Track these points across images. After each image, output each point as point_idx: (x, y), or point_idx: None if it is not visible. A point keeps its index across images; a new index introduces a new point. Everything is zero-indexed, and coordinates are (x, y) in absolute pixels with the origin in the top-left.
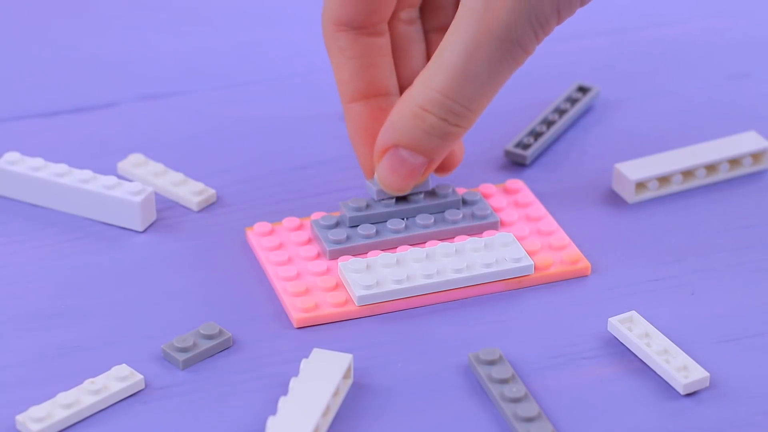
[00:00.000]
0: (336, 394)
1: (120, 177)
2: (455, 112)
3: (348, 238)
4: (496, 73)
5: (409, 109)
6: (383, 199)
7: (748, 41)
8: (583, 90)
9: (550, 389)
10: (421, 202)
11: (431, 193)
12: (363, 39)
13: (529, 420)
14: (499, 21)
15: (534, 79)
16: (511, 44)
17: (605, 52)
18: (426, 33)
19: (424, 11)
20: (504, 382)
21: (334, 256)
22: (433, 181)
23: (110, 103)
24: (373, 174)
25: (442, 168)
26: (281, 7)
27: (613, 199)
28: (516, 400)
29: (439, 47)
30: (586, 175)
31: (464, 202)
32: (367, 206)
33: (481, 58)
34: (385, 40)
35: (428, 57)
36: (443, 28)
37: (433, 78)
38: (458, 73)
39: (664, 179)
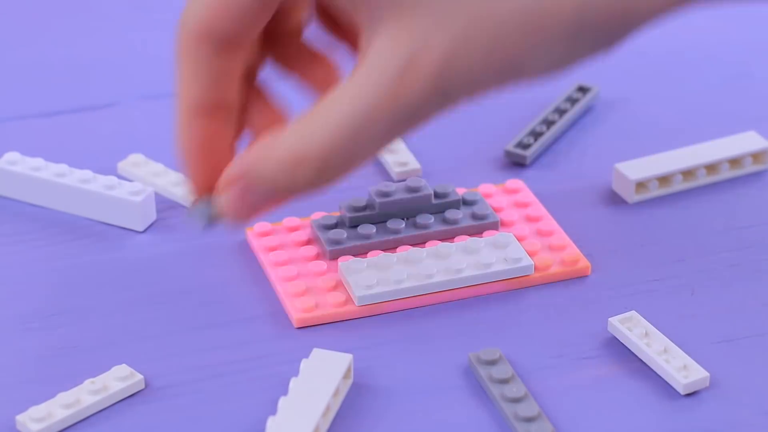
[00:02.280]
0: (336, 394)
1: (120, 177)
2: (331, 175)
3: (348, 238)
4: (390, 137)
5: (278, 158)
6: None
7: (748, 41)
8: (583, 90)
9: (550, 389)
10: (421, 202)
11: (431, 193)
12: (223, 54)
13: (529, 420)
14: (410, 94)
15: None
16: (415, 116)
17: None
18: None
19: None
20: (504, 382)
21: (334, 256)
22: (433, 181)
23: (110, 103)
24: (204, 192)
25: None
26: None
27: (613, 199)
28: (516, 400)
29: (326, 99)
30: (586, 175)
31: (464, 202)
32: (367, 206)
33: (379, 122)
34: (242, 55)
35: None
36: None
37: (316, 135)
38: (346, 134)
39: (664, 179)
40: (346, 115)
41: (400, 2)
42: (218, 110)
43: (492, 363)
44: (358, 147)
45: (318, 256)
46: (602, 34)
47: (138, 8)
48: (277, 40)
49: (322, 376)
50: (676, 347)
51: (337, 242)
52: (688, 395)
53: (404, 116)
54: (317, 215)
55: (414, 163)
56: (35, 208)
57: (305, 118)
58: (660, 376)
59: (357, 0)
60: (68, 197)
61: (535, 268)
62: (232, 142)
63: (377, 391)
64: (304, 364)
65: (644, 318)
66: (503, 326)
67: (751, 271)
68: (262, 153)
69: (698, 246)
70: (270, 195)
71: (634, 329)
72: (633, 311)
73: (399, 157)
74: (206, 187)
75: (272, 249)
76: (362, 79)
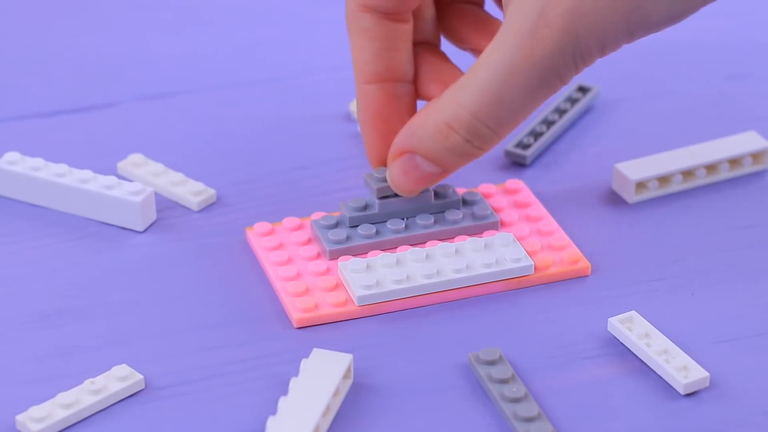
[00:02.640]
0: (336, 394)
1: (120, 177)
2: (481, 135)
3: (348, 238)
4: (530, 100)
5: (433, 123)
6: (383, 197)
7: (748, 41)
8: (583, 90)
9: (550, 389)
10: (421, 201)
11: (432, 193)
12: (387, 23)
13: (529, 420)
14: (543, 50)
15: None
16: (551, 74)
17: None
18: (445, 5)
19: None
20: (504, 382)
21: (334, 256)
22: None
23: (110, 103)
24: (379, 163)
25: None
26: (281, 7)
27: (613, 199)
28: (516, 400)
29: (474, 64)
30: (586, 175)
31: (464, 202)
32: (367, 206)
33: (518, 83)
34: (408, 27)
35: (446, 26)
36: (421, 43)
37: (464, 96)
38: (491, 95)
39: (664, 179)
40: (488, 80)
41: None
42: (390, 78)
43: (492, 363)
44: (501, 109)
45: (318, 256)
46: None
47: (138, 8)
48: (444, 9)
49: (322, 376)
50: (676, 347)
51: (337, 242)
52: (688, 395)
53: (541, 73)
54: (317, 215)
55: None
56: (35, 208)
57: (455, 84)
58: (660, 376)
59: None
60: (68, 197)
61: (535, 268)
62: (409, 111)
63: (377, 391)
64: (304, 364)
65: (644, 318)
66: (503, 326)
67: (751, 271)
68: (420, 121)
69: (698, 246)
70: (429, 165)
71: (634, 329)
72: (633, 311)
73: None
74: (381, 158)
75: (272, 249)
76: (500, 41)
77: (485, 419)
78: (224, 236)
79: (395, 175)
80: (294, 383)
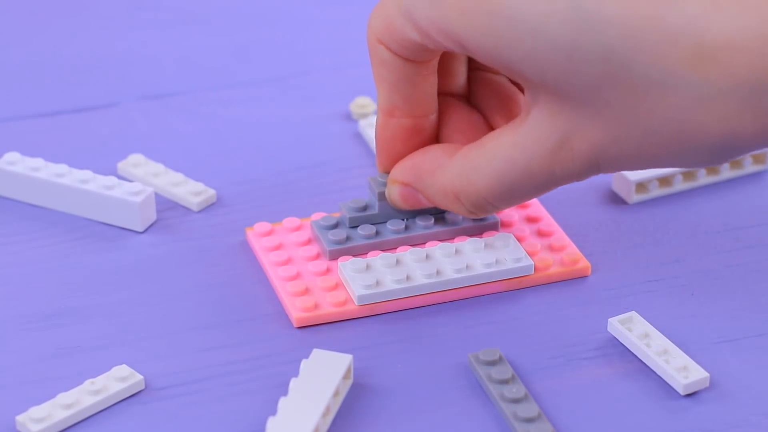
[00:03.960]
0: (336, 394)
1: (120, 177)
2: (485, 209)
3: (348, 239)
4: (540, 194)
5: (441, 186)
6: (385, 200)
7: None
8: None
9: (550, 390)
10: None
11: None
12: (410, 63)
13: (529, 420)
14: (563, 170)
15: None
16: (566, 182)
17: None
18: (471, 70)
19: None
20: (504, 382)
21: (334, 256)
22: None
23: (110, 103)
24: (387, 169)
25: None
26: (280, 7)
27: (614, 199)
28: (516, 401)
29: (492, 145)
30: None
31: None
32: (367, 207)
33: (532, 184)
34: (431, 64)
35: (469, 90)
36: (489, 70)
37: (476, 177)
38: (504, 187)
39: (664, 179)
40: (503, 173)
41: (555, 89)
42: (410, 113)
43: (492, 363)
44: (510, 196)
45: (318, 256)
46: (741, 152)
47: (138, 8)
48: (471, 73)
49: (322, 376)
50: (676, 347)
51: (337, 242)
52: (688, 395)
53: (556, 182)
54: (317, 215)
55: None
56: (35, 208)
57: (472, 155)
58: (660, 377)
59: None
60: (68, 197)
61: (535, 269)
62: (426, 143)
63: (377, 391)
64: (304, 364)
65: (644, 318)
66: (503, 326)
67: (751, 272)
68: (429, 174)
69: (698, 246)
70: (429, 203)
71: (634, 329)
72: (633, 311)
73: None
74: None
75: (272, 249)
76: (520, 142)
77: (485, 420)
78: (224, 236)
79: (394, 197)
80: (294, 383)
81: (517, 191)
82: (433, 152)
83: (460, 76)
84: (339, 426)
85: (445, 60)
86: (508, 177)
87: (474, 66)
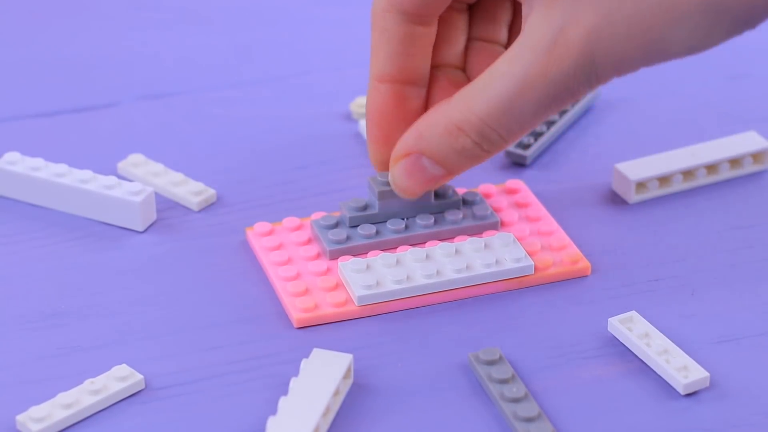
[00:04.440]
0: (336, 394)
1: (120, 177)
2: (491, 140)
3: (348, 238)
4: (541, 113)
5: (443, 125)
6: (384, 198)
7: (748, 41)
8: None
9: (550, 389)
10: (421, 202)
11: (432, 194)
12: (409, 25)
13: (529, 420)
14: (558, 68)
15: None
16: (563, 91)
17: None
18: (469, 39)
19: (474, 17)
20: (504, 382)
21: (334, 256)
22: None
23: (110, 103)
24: (381, 165)
25: None
26: (281, 7)
27: (613, 199)
28: (516, 400)
29: (489, 70)
30: (586, 175)
31: (464, 202)
32: (367, 206)
33: (531, 97)
34: (430, 31)
35: (465, 59)
36: (487, 40)
37: (476, 102)
38: (504, 105)
39: (664, 179)
40: (500, 90)
41: None
42: (402, 80)
43: (492, 363)
44: (511, 120)
45: (318, 256)
46: (742, 15)
47: (138, 8)
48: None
49: (322, 376)
50: (676, 347)
51: (337, 242)
52: (688, 395)
53: (554, 90)
54: (317, 215)
55: None
56: (35, 207)
57: (467, 89)
58: (660, 376)
59: None
60: (68, 197)
61: (535, 268)
62: (416, 115)
63: (377, 391)
64: (304, 364)
65: (644, 318)
66: (503, 326)
67: (751, 271)
68: (428, 123)
69: (698, 246)
70: (435, 167)
71: (634, 329)
72: (633, 311)
73: None
74: (383, 158)
75: (272, 249)
76: (516, 53)
77: (485, 419)
78: (224, 236)
79: (398, 176)
80: (294, 383)
81: (517, 108)
82: (430, 111)
83: (458, 46)
84: (339, 425)
85: (445, 28)
86: (506, 93)
87: (472, 36)
